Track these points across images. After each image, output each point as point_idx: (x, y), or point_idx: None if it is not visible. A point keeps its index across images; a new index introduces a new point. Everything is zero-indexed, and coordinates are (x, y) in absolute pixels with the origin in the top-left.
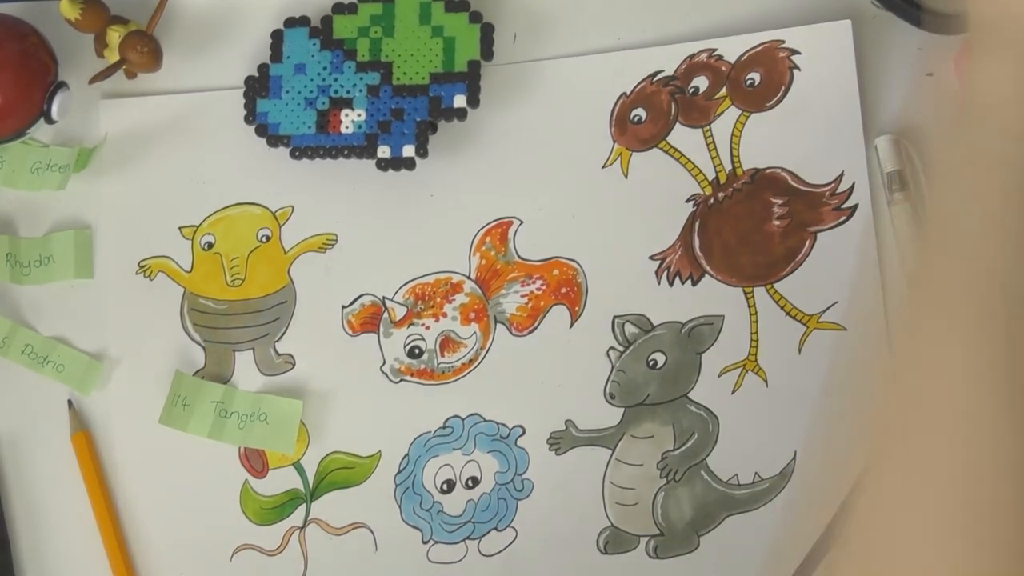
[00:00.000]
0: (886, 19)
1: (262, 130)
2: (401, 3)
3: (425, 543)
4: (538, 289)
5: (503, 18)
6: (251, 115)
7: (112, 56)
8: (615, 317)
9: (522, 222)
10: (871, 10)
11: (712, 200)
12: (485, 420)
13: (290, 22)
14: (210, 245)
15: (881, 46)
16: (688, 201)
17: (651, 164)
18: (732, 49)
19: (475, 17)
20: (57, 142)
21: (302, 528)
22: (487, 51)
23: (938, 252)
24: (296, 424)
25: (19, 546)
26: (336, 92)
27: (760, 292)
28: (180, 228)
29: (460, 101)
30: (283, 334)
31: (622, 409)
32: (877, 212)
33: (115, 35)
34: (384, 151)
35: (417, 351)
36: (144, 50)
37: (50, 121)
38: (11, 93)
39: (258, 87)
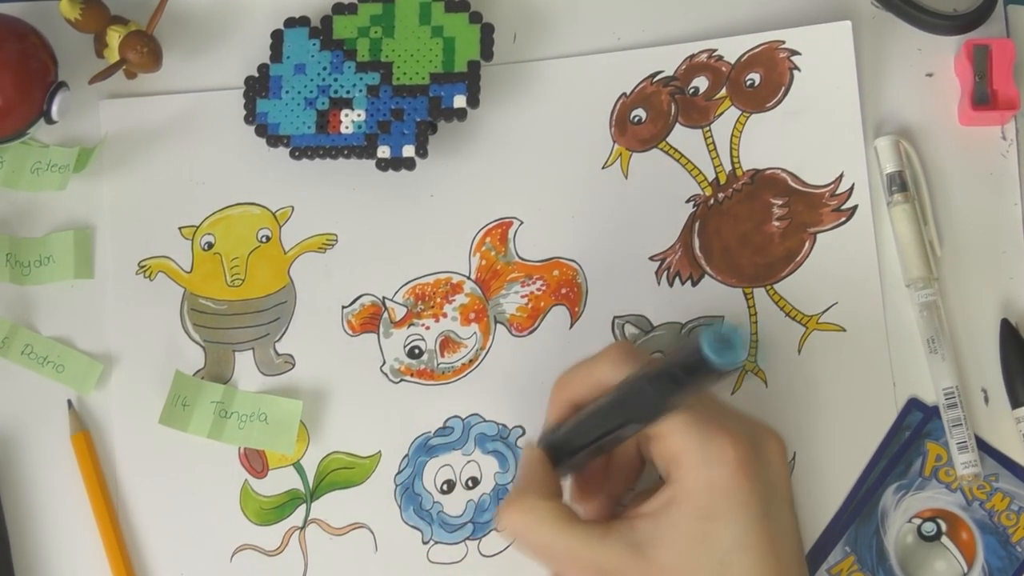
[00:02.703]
0: (886, 20)
1: (262, 130)
2: (401, 3)
3: (425, 543)
4: (538, 289)
5: (503, 18)
6: (251, 115)
7: (112, 56)
8: (615, 318)
9: (522, 222)
10: (871, 11)
11: (712, 201)
12: (485, 420)
13: (290, 22)
14: (210, 245)
15: (881, 47)
16: (688, 202)
17: (651, 164)
18: (732, 49)
19: (475, 17)
20: (57, 142)
21: (302, 528)
22: (487, 51)
23: None
24: (296, 424)
25: (18, 546)
26: (336, 92)
27: (760, 293)
28: (180, 228)
29: (460, 101)
30: (283, 334)
31: None
32: (877, 213)
33: (115, 35)
34: (384, 151)
35: (417, 351)
36: (144, 50)
37: (50, 121)
38: (11, 93)
39: (258, 87)
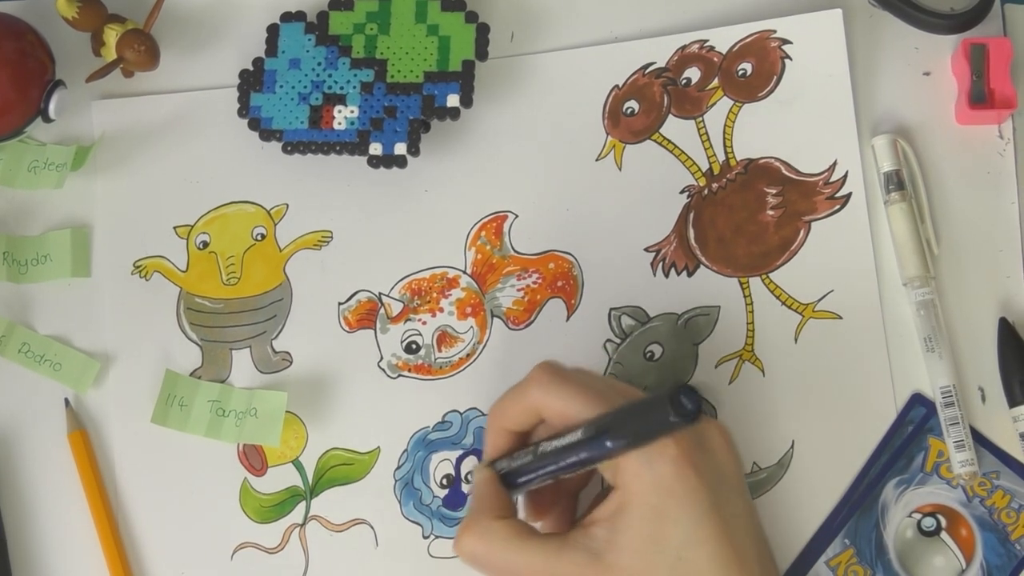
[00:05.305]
0: (884, 19)
1: (255, 124)
2: (398, 1)
3: (426, 538)
4: (534, 283)
5: (498, 16)
6: (244, 108)
7: (109, 55)
8: (611, 310)
9: (517, 216)
10: (865, 4)
11: (706, 191)
12: (483, 414)
13: (286, 17)
14: (205, 244)
15: (879, 46)
16: (682, 192)
17: (645, 156)
18: (723, 40)
19: (471, 17)
20: (54, 141)
21: (302, 525)
22: (482, 51)
23: None
24: (281, 416)
25: (15, 545)
26: (330, 88)
27: (755, 282)
28: (175, 228)
29: (453, 100)
30: (280, 332)
31: None
32: (871, 200)
33: (112, 34)
34: (376, 148)
35: (414, 346)
36: (141, 49)
37: (47, 120)
38: (8, 92)
39: (252, 80)
